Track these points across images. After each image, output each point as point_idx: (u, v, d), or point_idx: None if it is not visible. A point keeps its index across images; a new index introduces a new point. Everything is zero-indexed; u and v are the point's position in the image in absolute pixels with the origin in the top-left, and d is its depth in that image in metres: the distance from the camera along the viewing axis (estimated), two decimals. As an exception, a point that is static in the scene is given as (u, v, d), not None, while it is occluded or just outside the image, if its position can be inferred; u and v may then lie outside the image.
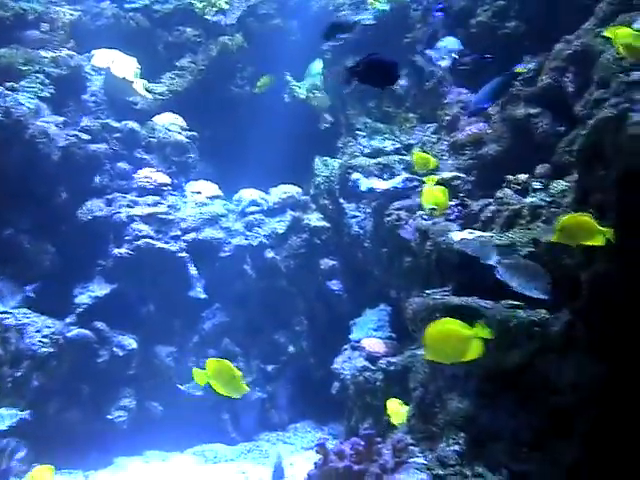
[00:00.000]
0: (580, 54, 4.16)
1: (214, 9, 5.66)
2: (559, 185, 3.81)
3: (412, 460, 3.35)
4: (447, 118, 5.25)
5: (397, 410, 3.89)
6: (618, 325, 3.23)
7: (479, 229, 3.95)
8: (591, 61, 4.00)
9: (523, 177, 3.98)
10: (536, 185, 3.89)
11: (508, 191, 3.96)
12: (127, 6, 5.73)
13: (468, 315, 3.44)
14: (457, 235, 3.87)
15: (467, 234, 3.85)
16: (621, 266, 3.22)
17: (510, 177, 4.03)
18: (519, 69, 4.08)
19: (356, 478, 3.24)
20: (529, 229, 3.66)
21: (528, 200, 3.81)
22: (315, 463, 3.39)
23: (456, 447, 3.37)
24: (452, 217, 4.13)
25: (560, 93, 4.36)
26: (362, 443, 3.35)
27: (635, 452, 3.17)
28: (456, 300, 3.57)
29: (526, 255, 3.53)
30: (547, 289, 2.95)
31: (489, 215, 3.98)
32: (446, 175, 4.61)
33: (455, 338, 2.74)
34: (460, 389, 3.58)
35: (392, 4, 5.51)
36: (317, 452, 3.41)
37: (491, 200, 4.07)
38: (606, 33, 3.27)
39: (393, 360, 4.50)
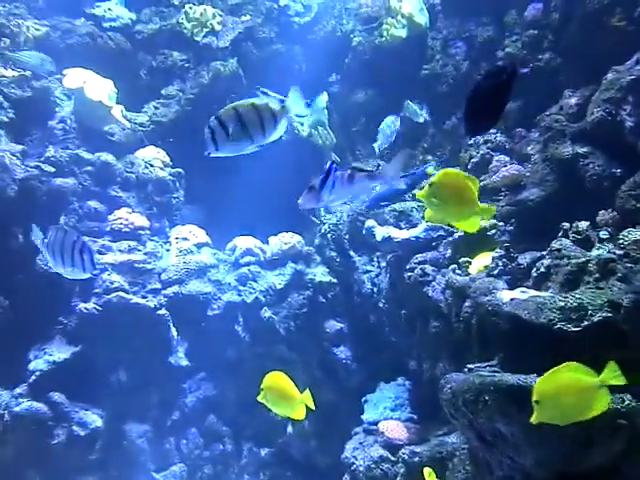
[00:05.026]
0: (642, 82, 3.51)
1: (205, 30, 5.00)
2: (632, 235, 3.07)
3: None
4: (474, 160, 4.56)
5: None
6: None
7: (532, 287, 3.20)
8: (660, 89, 3.38)
9: (584, 225, 3.24)
10: (602, 235, 3.16)
11: (566, 242, 3.21)
12: (105, 24, 5.05)
13: (529, 398, 2.70)
14: (506, 295, 3.11)
15: (519, 293, 3.09)
16: None
17: (567, 224, 3.29)
18: (429, 169, 3.52)
19: None
20: (600, 288, 2.90)
21: (594, 253, 3.07)
22: None
23: None
24: (496, 272, 3.36)
25: (615, 128, 3.70)
26: None
27: None
28: (511, 379, 2.78)
29: (600, 322, 2.79)
30: None
31: (543, 271, 3.22)
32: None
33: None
34: (517, 497, 2.76)
35: (409, 31, 4.87)
36: None
37: (543, 253, 3.32)
38: None
39: (417, 450, 3.66)
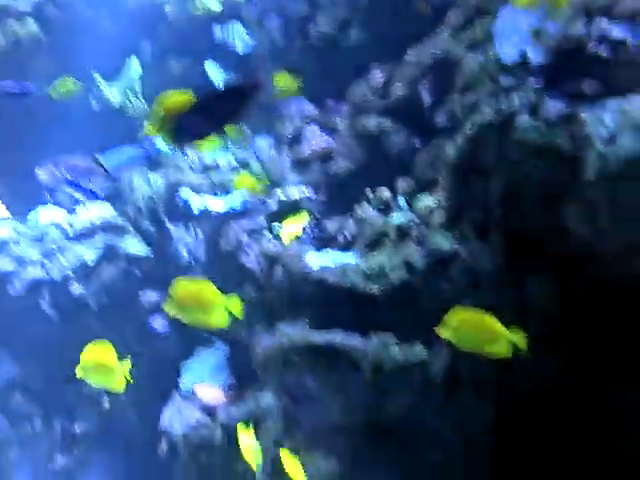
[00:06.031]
0: (437, 62, 3.81)
1: (1, -8, 4.61)
2: (426, 201, 3.36)
3: None
4: (287, 131, 4.69)
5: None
6: (505, 363, 2.82)
7: (338, 253, 3.39)
8: (450, 69, 3.68)
9: (385, 193, 3.49)
10: (400, 202, 3.42)
11: (369, 208, 3.44)
12: None
13: (333, 355, 2.90)
14: (314, 261, 3.27)
15: (326, 259, 3.27)
16: (506, 294, 2.83)
17: (370, 193, 3.51)
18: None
19: None
20: (398, 252, 3.15)
21: (393, 218, 3.31)
22: None
23: (326, 525, 2.71)
24: (306, 239, 3.52)
25: (415, 104, 3.99)
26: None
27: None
28: (318, 337, 2.96)
29: (397, 282, 3.03)
30: None
31: (349, 237, 3.43)
32: (292, 192, 4.02)
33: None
34: (324, 446, 2.95)
35: (223, 4, 4.85)
36: None
37: (349, 220, 3.53)
38: None
39: (234, 411, 3.75)
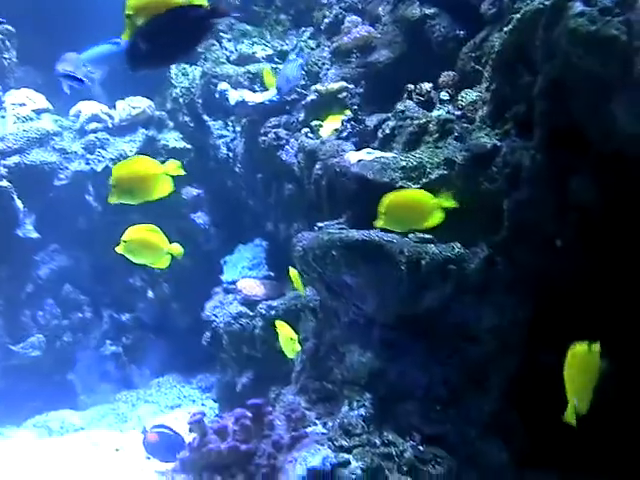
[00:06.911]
0: (485, -58, 3.54)
1: None
2: (469, 95, 3.25)
3: (311, 430, 2.78)
4: (326, 20, 4.50)
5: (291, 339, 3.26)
6: (543, 261, 2.80)
7: (377, 148, 3.33)
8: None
9: (427, 86, 3.37)
10: (443, 96, 3.31)
11: (410, 103, 3.34)
12: None
13: (371, 251, 2.91)
14: (353, 156, 3.23)
15: (365, 154, 3.22)
16: (547, 191, 2.76)
17: (411, 86, 3.40)
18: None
19: (243, 460, 2.62)
20: (438, 147, 3.09)
21: (435, 113, 3.22)
22: (189, 444, 2.73)
23: (361, 410, 2.83)
24: (344, 135, 3.46)
25: (460, -10, 3.77)
26: (249, 415, 2.73)
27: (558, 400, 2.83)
28: (356, 234, 2.96)
29: (436, 178, 2.99)
30: None
31: (388, 132, 3.36)
32: (331, 86, 3.91)
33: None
34: (361, 339, 3.03)
35: None
36: (191, 430, 2.74)
37: (389, 114, 3.44)
38: None
39: (274, 304, 3.87)
